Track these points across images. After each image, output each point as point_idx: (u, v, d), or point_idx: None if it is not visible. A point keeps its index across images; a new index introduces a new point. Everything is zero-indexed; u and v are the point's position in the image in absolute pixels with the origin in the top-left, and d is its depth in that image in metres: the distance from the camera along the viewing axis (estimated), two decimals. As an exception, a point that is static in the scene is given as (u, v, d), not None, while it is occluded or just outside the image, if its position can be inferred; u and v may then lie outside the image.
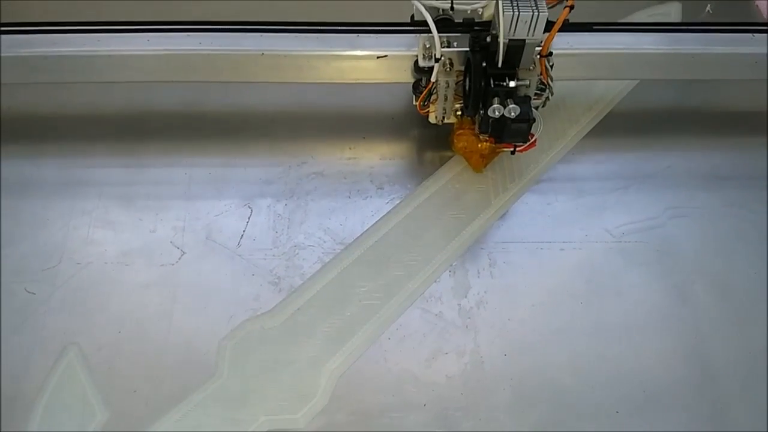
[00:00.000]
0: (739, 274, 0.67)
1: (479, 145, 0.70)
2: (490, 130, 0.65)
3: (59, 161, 0.73)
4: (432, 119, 0.71)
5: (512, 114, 0.60)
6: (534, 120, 0.62)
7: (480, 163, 0.72)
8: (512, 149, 0.67)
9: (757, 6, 0.89)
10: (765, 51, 0.69)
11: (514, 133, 0.63)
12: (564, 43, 0.68)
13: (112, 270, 0.66)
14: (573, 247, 0.68)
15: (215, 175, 0.73)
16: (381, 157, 0.74)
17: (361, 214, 0.70)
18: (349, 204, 0.71)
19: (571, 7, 0.59)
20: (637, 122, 0.78)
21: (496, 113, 0.61)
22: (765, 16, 0.88)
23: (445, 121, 0.70)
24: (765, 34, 0.69)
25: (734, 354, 0.63)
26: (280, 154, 0.74)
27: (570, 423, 0.59)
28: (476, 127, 0.68)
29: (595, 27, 0.69)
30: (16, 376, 0.60)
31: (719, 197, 0.72)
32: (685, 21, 0.87)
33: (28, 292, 0.65)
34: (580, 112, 0.78)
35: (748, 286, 0.67)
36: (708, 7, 0.89)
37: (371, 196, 0.71)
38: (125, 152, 0.74)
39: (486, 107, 0.62)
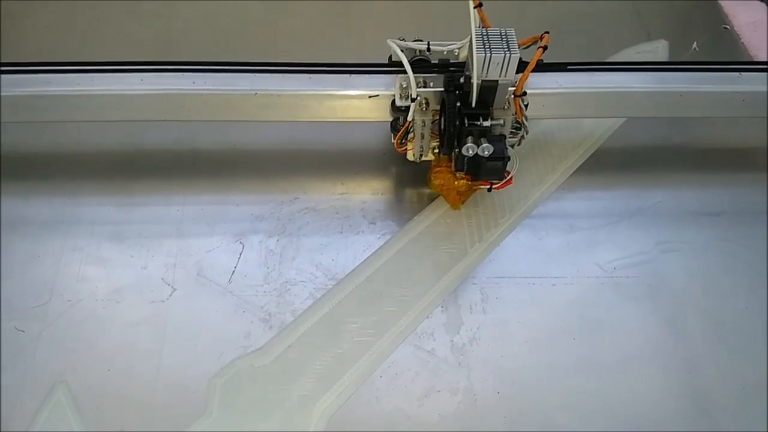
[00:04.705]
0: (731, 308, 0.67)
1: (456, 183, 0.71)
2: (465, 168, 0.65)
3: (51, 198, 0.73)
4: (410, 157, 0.71)
5: (486, 153, 0.61)
6: (509, 158, 0.63)
7: (457, 200, 0.73)
8: (488, 187, 0.68)
9: (724, 14, 0.92)
10: (750, 89, 0.70)
11: (489, 171, 0.64)
12: (553, 83, 0.68)
13: (103, 307, 0.66)
14: (565, 282, 0.68)
15: (207, 212, 0.73)
16: (373, 192, 0.75)
17: (353, 250, 0.70)
18: (341, 239, 0.71)
19: (545, 48, 0.60)
20: (627, 158, 0.79)
21: (470, 152, 0.61)
22: (728, 17, 0.90)
23: (423, 158, 0.71)
24: (751, 73, 0.70)
25: (728, 388, 0.62)
26: (273, 189, 0.75)
27: (564, 461, 0.59)
28: (452, 165, 0.69)
29: (569, 67, 0.69)
30: (3, 415, 0.59)
31: (710, 232, 0.73)
32: (672, 59, 0.89)
33: (18, 329, 0.64)
34: (569, 148, 0.78)
35: (740, 320, 0.67)
36: (695, 44, 0.90)
37: (363, 231, 0.72)
38: (117, 190, 0.74)
39: (461, 146, 0.62)
